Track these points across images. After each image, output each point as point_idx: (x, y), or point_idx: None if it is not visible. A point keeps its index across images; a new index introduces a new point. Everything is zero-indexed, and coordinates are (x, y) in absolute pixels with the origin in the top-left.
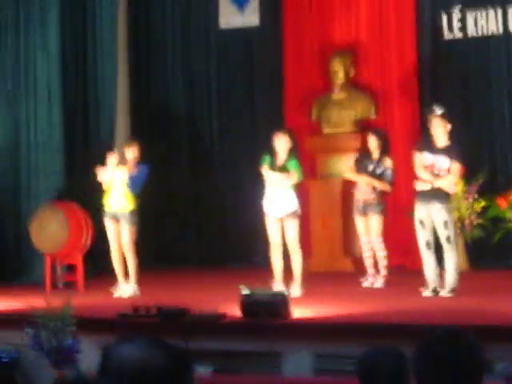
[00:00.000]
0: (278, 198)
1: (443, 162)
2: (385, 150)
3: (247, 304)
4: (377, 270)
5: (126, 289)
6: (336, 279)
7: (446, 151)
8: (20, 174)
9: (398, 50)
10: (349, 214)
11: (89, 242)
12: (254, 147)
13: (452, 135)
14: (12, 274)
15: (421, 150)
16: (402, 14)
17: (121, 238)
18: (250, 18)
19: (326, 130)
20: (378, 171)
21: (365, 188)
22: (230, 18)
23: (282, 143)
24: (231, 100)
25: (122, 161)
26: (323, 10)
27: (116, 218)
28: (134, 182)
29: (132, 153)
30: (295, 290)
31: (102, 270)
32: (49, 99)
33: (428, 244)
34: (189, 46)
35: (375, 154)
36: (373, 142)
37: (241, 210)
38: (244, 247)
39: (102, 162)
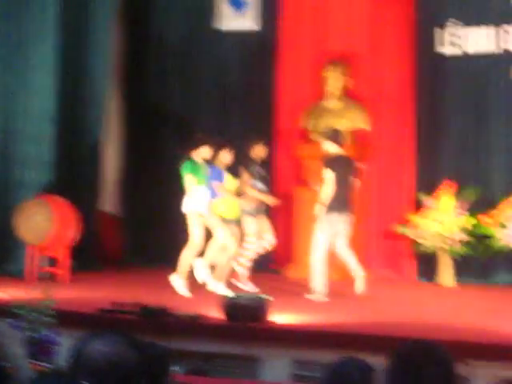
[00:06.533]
0: None
1: None
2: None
3: (227, 306)
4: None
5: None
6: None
7: None
8: (9, 165)
9: (394, 62)
10: None
11: (76, 236)
12: (243, 149)
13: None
14: None
15: None
16: (400, 27)
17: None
18: (248, 21)
19: (315, 137)
20: None
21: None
22: (229, 21)
23: None
24: (223, 101)
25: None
26: (321, 19)
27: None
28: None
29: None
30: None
31: (90, 265)
32: (42, 91)
33: None
34: (188, 45)
35: None
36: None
37: None
38: None
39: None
